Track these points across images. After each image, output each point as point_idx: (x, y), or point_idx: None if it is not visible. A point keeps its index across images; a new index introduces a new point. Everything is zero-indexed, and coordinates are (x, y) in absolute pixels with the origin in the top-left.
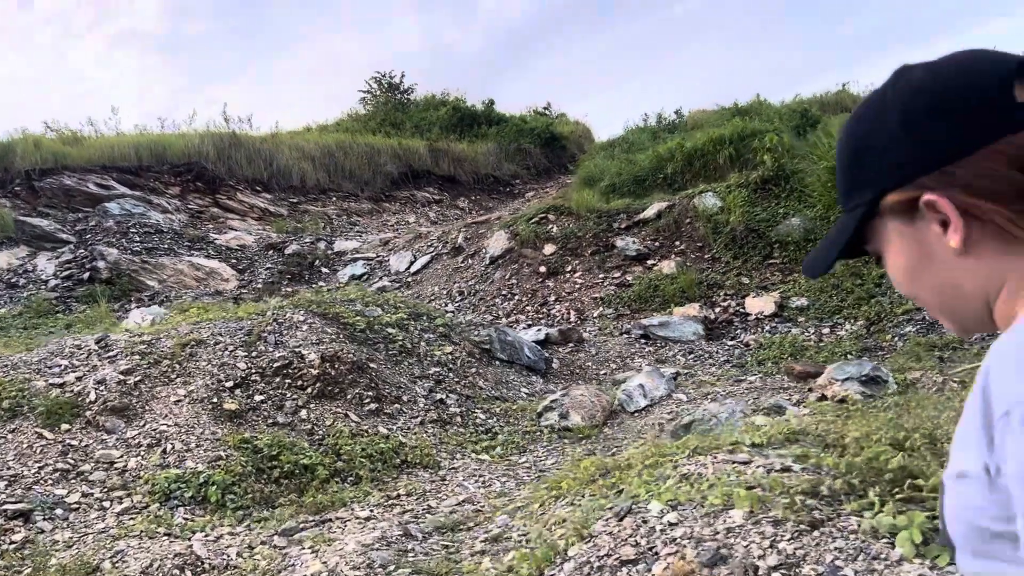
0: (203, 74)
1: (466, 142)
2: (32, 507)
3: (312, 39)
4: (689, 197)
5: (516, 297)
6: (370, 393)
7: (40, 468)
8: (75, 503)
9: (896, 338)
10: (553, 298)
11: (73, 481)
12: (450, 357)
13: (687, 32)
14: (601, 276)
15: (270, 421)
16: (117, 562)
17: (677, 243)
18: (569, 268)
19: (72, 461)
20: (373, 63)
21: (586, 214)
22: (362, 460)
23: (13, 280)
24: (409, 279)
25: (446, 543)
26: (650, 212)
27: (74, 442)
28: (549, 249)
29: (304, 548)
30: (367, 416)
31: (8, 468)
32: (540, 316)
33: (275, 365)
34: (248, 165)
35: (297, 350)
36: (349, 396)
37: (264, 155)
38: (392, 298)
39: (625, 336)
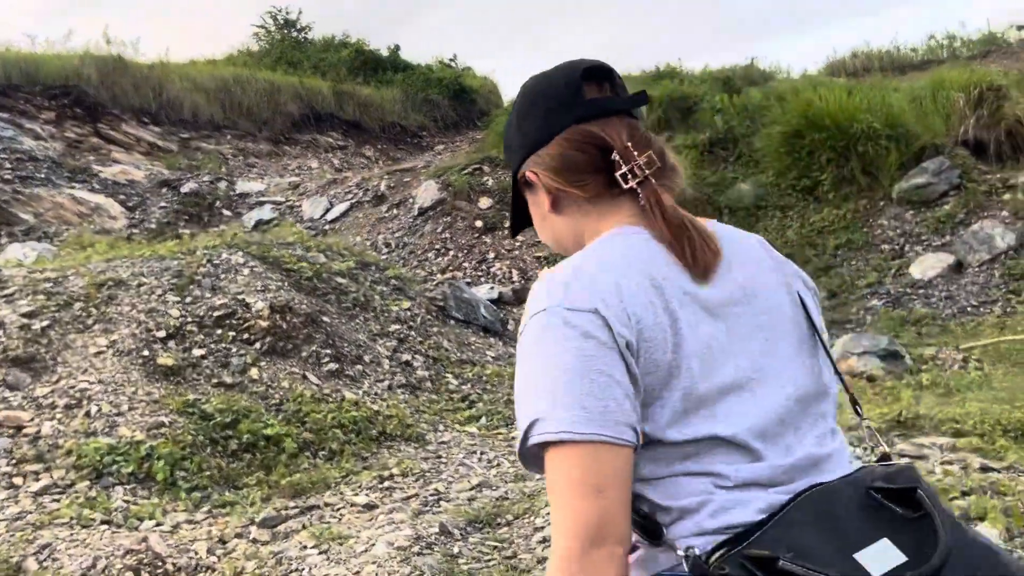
0: None
1: (372, 87)
2: None
3: None
4: None
5: (451, 252)
6: (328, 351)
7: None
8: None
9: (863, 311)
10: (492, 255)
11: None
12: (409, 314)
13: None
14: None
15: (215, 381)
16: (45, 560)
17: None
18: (508, 225)
19: None
20: (252, 4)
21: None
22: (334, 431)
23: None
24: (326, 227)
25: (493, 543)
26: None
27: None
28: (485, 203)
29: (306, 547)
30: (327, 378)
31: None
32: (479, 274)
33: (215, 314)
34: (135, 93)
35: (240, 298)
36: (304, 354)
37: (152, 84)
38: (334, 243)
39: None
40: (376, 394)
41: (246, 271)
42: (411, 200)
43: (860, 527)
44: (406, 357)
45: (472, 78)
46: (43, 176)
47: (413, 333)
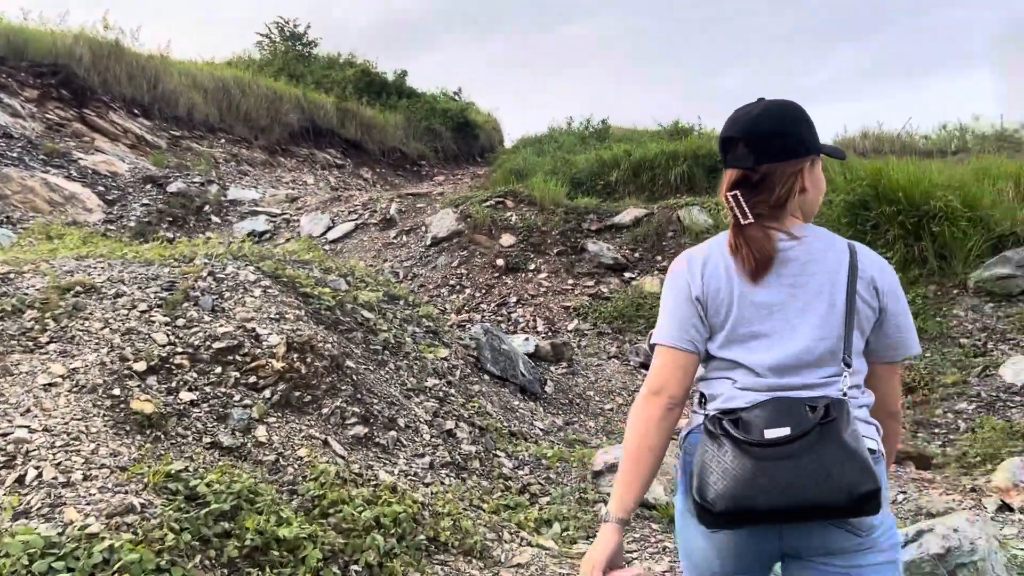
0: None
1: (375, 109)
2: None
3: None
4: (671, 208)
5: (467, 290)
6: (355, 409)
7: None
8: None
9: (951, 414)
10: (514, 299)
11: None
12: (447, 365)
13: (567, 54)
14: (571, 282)
15: (208, 440)
16: None
17: (659, 258)
18: (532, 267)
19: None
20: (251, 19)
21: (551, 207)
22: (371, 534)
23: None
24: (326, 247)
25: None
26: (626, 218)
27: None
28: (507, 240)
29: None
30: (355, 446)
31: None
32: (499, 318)
33: (215, 346)
34: (128, 83)
35: (249, 326)
36: (326, 410)
37: (149, 75)
38: (355, 267)
39: (617, 361)
40: (416, 475)
41: (257, 291)
42: (423, 228)
43: (782, 419)
44: (449, 424)
45: (476, 113)
46: (15, 156)
47: (453, 392)
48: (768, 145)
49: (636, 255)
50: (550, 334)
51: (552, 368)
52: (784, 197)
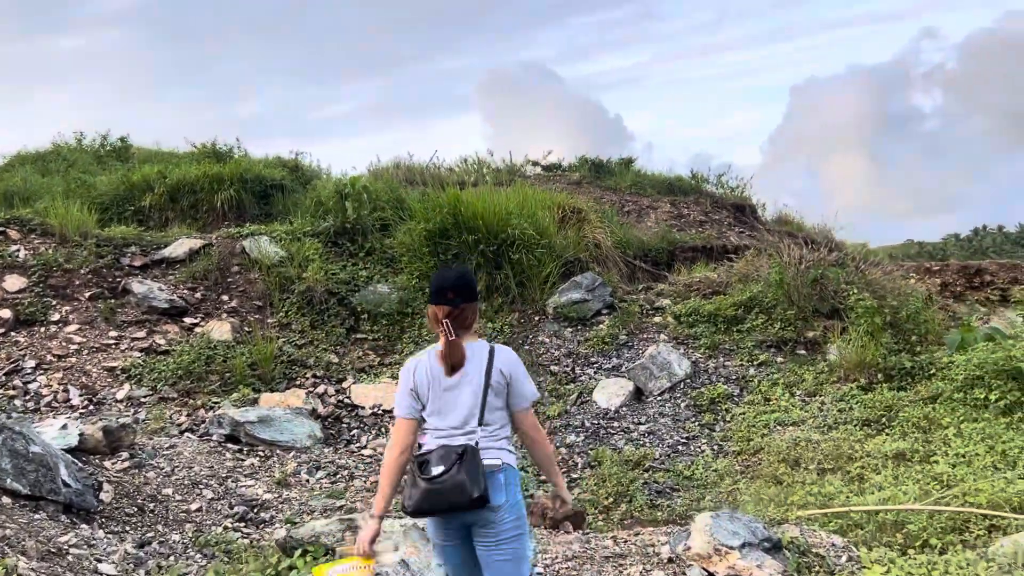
0: None
1: None
2: None
3: None
4: (233, 238)
5: None
6: None
7: None
8: None
9: (565, 449)
10: (32, 363)
11: None
12: None
13: (55, 66)
14: (115, 334)
15: None
16: None
17: (226, 298)
18: (56, 317)
19: None
20: None
21: (76, 238)
22: None
23: None
24: None
25: None
26: (178, 250)
27: None
28: (15, 283)
29: None
30: None
31: None
32: (11, 392)
33: None
34: None
35: None
36: None
37: None
38: None
39: (194, 436)
40: None
41: None
42: None
43: (443, 460)
44: None
45: None
46: None
47: None
48: (465, 292)
49: (197, 295)
50: (92, 408)
51: (108, 464)
52: (470, 324)
